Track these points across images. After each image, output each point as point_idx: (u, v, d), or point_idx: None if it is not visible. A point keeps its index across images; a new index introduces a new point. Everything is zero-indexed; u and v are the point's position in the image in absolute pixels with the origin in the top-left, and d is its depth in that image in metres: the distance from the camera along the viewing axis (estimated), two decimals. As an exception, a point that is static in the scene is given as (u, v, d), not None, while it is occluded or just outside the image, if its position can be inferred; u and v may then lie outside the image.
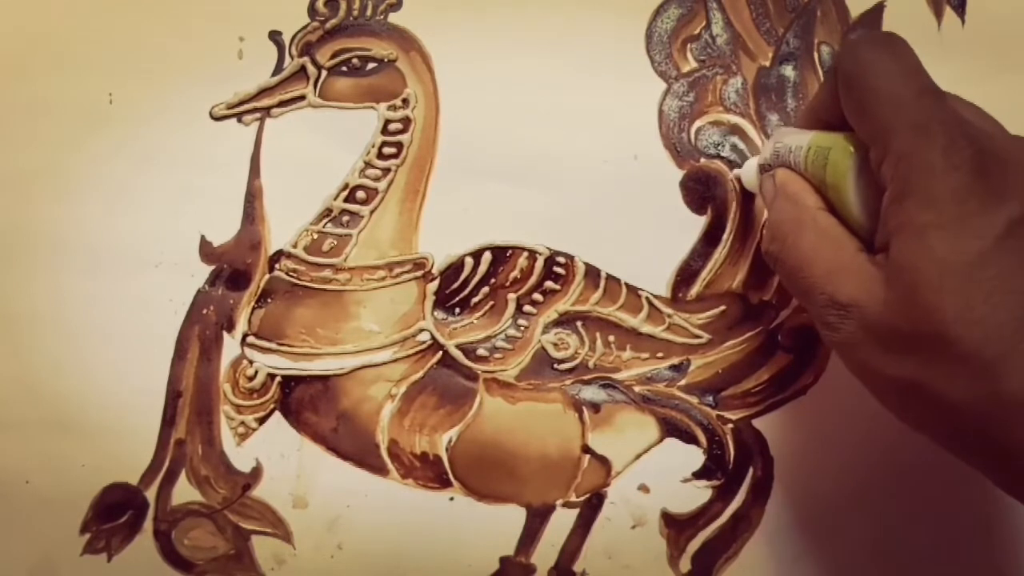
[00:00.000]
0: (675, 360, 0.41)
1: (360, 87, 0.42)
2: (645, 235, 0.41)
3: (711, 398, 0.41)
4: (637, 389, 0.40)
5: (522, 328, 0.41)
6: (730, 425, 0.40)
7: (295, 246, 0.41)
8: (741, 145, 0.42)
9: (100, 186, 0.41)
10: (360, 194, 0.41)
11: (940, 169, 0.27)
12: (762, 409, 0.40)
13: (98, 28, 0.42)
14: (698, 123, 0.42)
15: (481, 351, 0.41)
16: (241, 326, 0.41)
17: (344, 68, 0.42)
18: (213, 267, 0.41)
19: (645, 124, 0.42)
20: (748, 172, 0.39)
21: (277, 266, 0.41)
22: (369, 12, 0.42)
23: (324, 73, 0.42)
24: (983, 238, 0.26)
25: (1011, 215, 0.27)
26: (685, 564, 0.40)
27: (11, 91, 0.42)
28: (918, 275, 0.27)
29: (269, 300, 0.41)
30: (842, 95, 0.31)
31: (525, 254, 0.41)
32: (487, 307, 0.41)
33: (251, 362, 0.40)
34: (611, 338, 0.41)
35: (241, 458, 0.40)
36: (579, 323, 0.41)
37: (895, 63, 0.30)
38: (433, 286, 0.41)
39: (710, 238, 0.41)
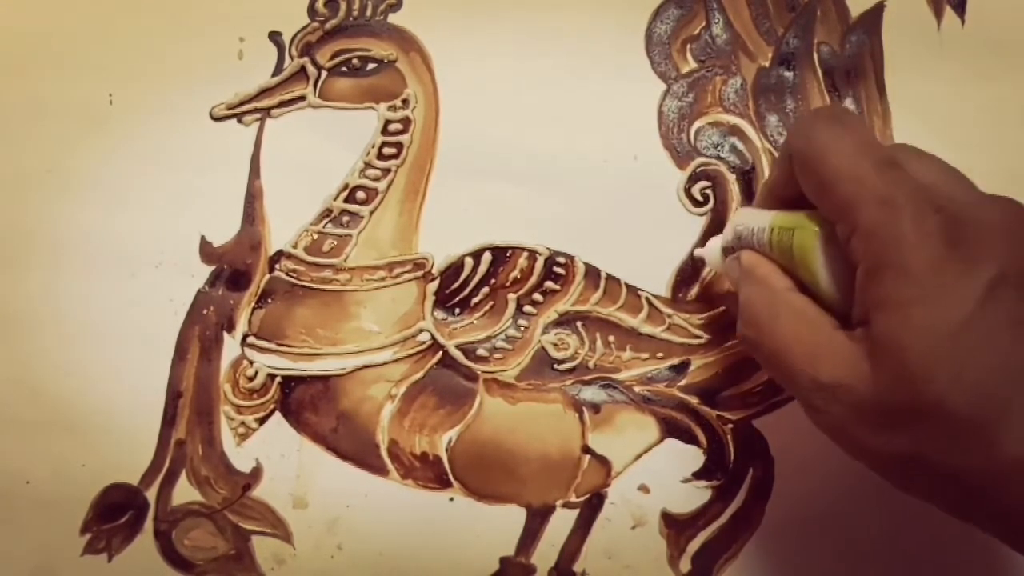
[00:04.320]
0: (675, 360, 0.41)
1: (360, 87, 0.42)
2: (645, 235, 0.41)
3: (711, 398, 0.41)
4: (637, 389, 0.40)
5: (522, 328, 0.41)
6: (730, 425, 0.40)
7: (295, 246, 0.41)
8: (740, 146, 0.42)
9: (100, 186, 0.41)
10: (360, 194, 0.41)
11: (912, 241, 0.27)
12: (762, 409, 0.40)
13: (98, 28, 0.42)
14: (697, 124, 0.42)
15: (481, 351, 0.41)
16: (241, 326, 0.41)
17: (344, 68, 0.42)
18: (213, 267, 0.41)
19: (645, 125, 0.42)
20: (711, 253, 0.38)
21: (277, 266, 0.41)
22: (369, 12, 0.42)
23: (324, 73, 0.42)
24: (965, 305, 0.26)
25: (988, 278, 0.26)
26: (685, 564, 0.40)
27: (11, 91, 0.42)
28: (905, 350, 0.27)
29: (269, 300, 0.41)
30: (800, 176, 0.31)
31: (525, 254, 0.41)
32: (487, 307, 0.41)
33: (251, 362, 0.40)
34: (611, 338, 0.41)
35: (241, 458, 0.40)
36: (579, 323, 0.41)
37: (848, 137, 0.30)
38: (433, 286, 0.41)
39: (710, 238, 0.41)
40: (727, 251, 0.37)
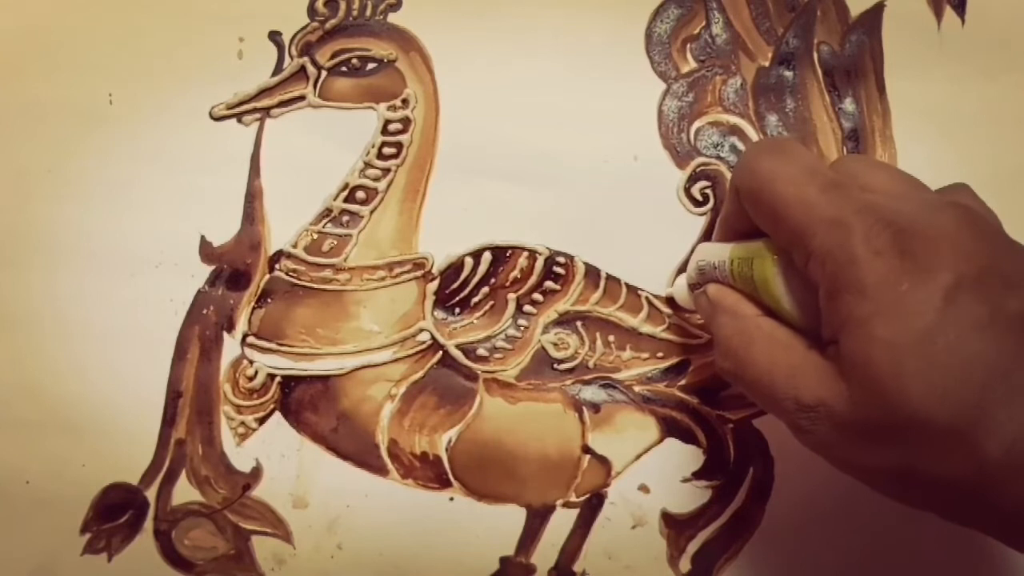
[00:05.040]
0: (675, 360, 0.41)
1: (360, 87, 0.42)
2: (645, 235, 0.41)
3: (711, 398, 0.41)
4: (637, 389, 0.40)
5: (522, 328, 0.41)
6: (730, 425, 0.40)
7: (295, 246, 0.41)
8: (740, 145, 0.42)
9: (100, 186, 0.41)
10: (360, 194, 0.41)
11: (865, 258, 0.27)
12: (762, 409, 0.40)
13: (98, 28, 0.42)
14: (697, 123, 0.42)
15: (481, 351, 0.41)
16: (241, 326, 0.41)
17: (344, 68, 0.42)
18: (213, 267, 0.41)
19: (645, 124, 0.42)
20: (680, 290, 0.39)
21: (277, 266, 0.41)
22: (369, 12, 0.42)
23: (324, 73, 0.42)
24: (925, 314, 0.26)
25: (945, 285, 0.26)
26: (685, 564, 0.40)
27: (11, 91, 0.42)
28: (873, 366, 0.27)
29: (269, 300, 0.41)
30: (750, 209, 0.32)
31: (525, 254, 0.41)
32: (487, 307, 0.41)
33: (251, 362, 0.40)
34: (611, 338, 0.41)
35: (241, 458, 0.40)
36: (579, 323, 0.41)
37: (791, 165, 0.30)
38: (433, 286, 0.41)
39: (710, 238, 0.41)
40: (693, 287, 0.37)
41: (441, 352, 0.41)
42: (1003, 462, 0.26)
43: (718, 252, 0.35)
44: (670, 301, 0.40)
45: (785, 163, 0.30)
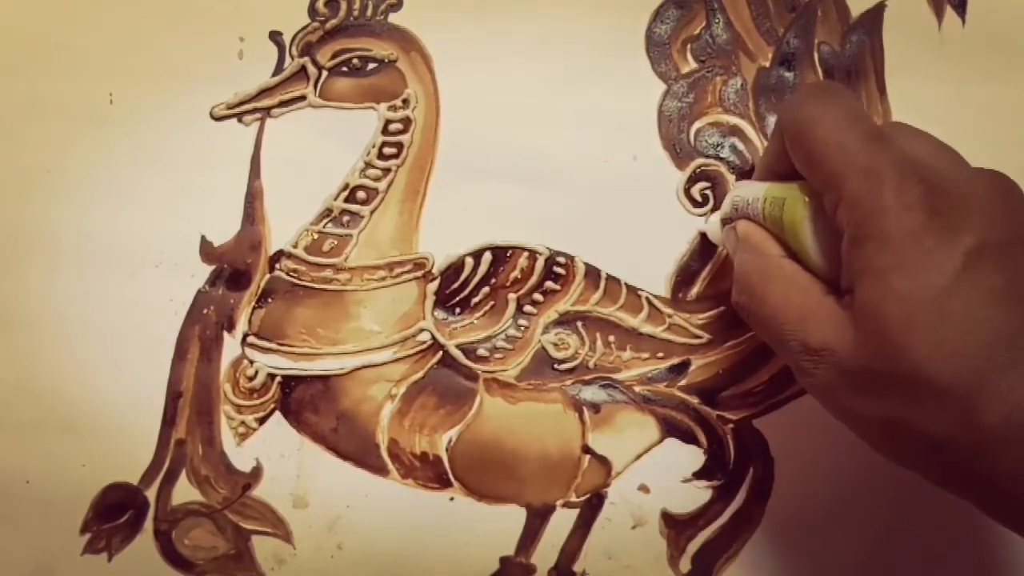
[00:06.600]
0: (675, 360, 0.41)
1: (360, 87, 0.42)
2: (645, 235, 0.41)
3: (711, 398, 0.41)
4: (637, 389, 0.40)
5: (522, 328, 0.41)
6: (730, 425, 0.40)
7: (295, 246, 0.41)
8: (740, 146, 0.42)
9: (100, 186, 0.41)
10: (360, 194, 0.41)
11: (893, 210, 0.28)
12: (762, 409, 0.40)
13: (98, 28, 0.42)
14: (697, 124, 0.42)
15: (481, 351, 0.41)
16: (241, 326, 0.41)
17: (344, 68, 0.42)
18: (213, 267, 0.41)
19: (645, 125, 0.42)
20: (712, 227, 0.39)
21: (277, 266, 0.41)
22: (369, 12, 0.42)
23: (324, 73, 0.42)
24: (943, 274, 0.27)
25: (967, 247, 0.27)
26: (685, 564, 0.40)
27: (11, 91, 0.42)
28: (885, 317, 0.27)
29: (269, 300, 0.41)
30: (790, 148, 0.32)
31: (525, 254, 0.41)
32: (487, 307, 0.41)
33: (251, 362, 0.40)
34: (611, 338, 0.41)
35: (241, 458, 0.40)
36: (579, 323, 0.41)
37: (837, 110, 0.31)
38: (433, 286, 0.41)
39: (711, 241, 0.41)
40: (725, 223, 0.38)
41: (441, 352, 0.41)
42: (999, 430, 0.26)
43: (753, 190, 0.35)
44: (702, 238, 0.40)
45: (831, 107, 0.31)
